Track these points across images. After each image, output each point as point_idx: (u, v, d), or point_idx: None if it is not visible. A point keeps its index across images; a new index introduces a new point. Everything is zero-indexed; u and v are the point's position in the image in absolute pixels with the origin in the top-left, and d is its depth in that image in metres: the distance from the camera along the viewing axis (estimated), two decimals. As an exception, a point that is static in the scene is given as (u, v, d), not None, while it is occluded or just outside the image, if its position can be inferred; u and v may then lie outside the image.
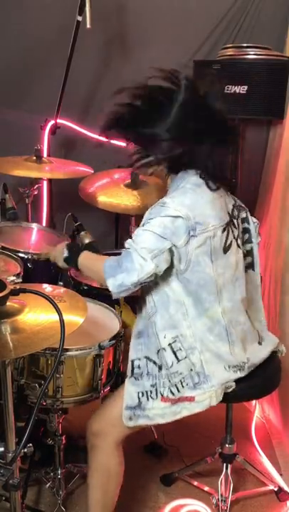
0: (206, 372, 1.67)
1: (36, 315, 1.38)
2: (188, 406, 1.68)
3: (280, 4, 2.86)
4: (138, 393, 1.68)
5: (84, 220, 2.35)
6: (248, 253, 1.86)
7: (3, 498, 1.75)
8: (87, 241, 2.30)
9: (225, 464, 2.02)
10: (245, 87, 2.57)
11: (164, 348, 1.66)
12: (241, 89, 2.58)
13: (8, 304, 1.35)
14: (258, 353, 1.80)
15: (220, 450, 2.04)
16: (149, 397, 1.68)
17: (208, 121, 1.61)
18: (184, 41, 2.90)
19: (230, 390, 1.71)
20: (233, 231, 1.71)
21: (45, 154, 2.64)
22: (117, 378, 1.86)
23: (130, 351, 1.73)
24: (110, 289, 1.58)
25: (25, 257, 2.13)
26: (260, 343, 1.84)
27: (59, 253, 1.82)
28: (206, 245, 1.61)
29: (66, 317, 1.32)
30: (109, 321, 1.95)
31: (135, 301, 2.17)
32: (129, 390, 1.69)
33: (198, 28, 2.91)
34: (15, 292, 1.34)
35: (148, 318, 1.68)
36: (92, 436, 1.75)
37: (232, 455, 2.04)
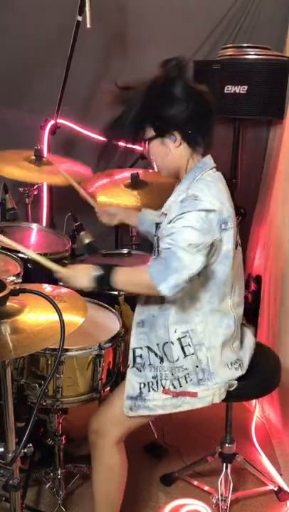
0: (211, 369, 1.69)
1: (36, 315, 1.38)
2: (190, 401, 1.69)
3: (280, 4, 2.86)
4: (140, 384, 1.69)
5: (84, 220, 2.35)
6: None
7: (3, 499, 1.75)
8: (87, 241, 2.30)
9: (225, 464, 2.02)
10: (245, 87, 2.57)
11: (172, 342, 1.67)
12: (241, 89, 2.58)
13: (8, 304, 1.35)
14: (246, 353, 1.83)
15: (220, 450, 2.04)
16: (151, 389, 1.69)
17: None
18: (184, 41, 2.90)
19: (232, 388, 1.73)
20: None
21: (45, 154, 2.63)
22: (117, 378, 1.86)
23: (131, 339, 1.74)
24: (164, 293, 1.54)
25: (26, 257, 2.13)
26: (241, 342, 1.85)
27: (82, 273, 1.67)
28: (232, 239, 1.64)
29: (66, 317, 1.32)
30: (109, 321, 1.95)
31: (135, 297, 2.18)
32: (131, 380, 1.70)
33: (198, 28, 2.91)
34: (15, 292, 1.34)
35: (159, 309, 1.69)
36: (93, 435, 1.75)
37: (232, 455, 2.04)
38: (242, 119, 2.78)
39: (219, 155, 1.76)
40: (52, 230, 2.55)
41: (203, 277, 1.64)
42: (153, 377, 1.69)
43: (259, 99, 2.59)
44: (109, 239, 3.09)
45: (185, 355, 1.67)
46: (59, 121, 2.81)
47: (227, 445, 2.02)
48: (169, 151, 1.68)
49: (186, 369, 1.68)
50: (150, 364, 1.70)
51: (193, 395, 1.69)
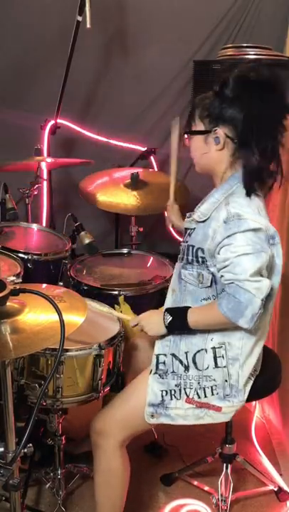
0: (240, 386, 1.67)
1: (36, 315, 1.38)
2: (213, 415, 1.68)
3: (280, 4, 2.86)
4: (162, 391, 1.68)
5: (84, 220, 2.35)
6: None
7: (3, 498, 1.75)
8: (87, 241, 2.31)
9: (225, 464, 2.02)
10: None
11: (205, 350, 1.65)
12: (241, 89, 2.57)
13: (8, 304, 1.35)
14: None
15: (220, 450, 2.04)
16: (173, 397, 1.67)
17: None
18: (184, 41, 2.90)
19: None
20: None
21: (45, 154, 2.64)
22: (117, 378, 1.86)
23: (156, 346, 1.72)
24: (245, 327, 1.54)
25: (25, 257, 2.13)
26: None
27: (156, 322, 1.68)
28: (281, 253, 1.62)
29: (66, 317, 1.32)
30: (109, 321, 1.95)
31: (136, 301, 2.18)
32: (153, 387, 1.69)
33: (198, 28, 2.91)
34: (15, 292, 1.34)
35: None
36: (96, 435, 1.74)
37: (232, 455, 2.04)
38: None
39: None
40: (52, 230, 2.55)
41: None
42: (176, 385, 1.67)
43: (259, 99, 2.59)
44: (109, 239, 3.10)
45: (216, 366, 1.65)
46: (59, 121, 2.81)
47: (227, 445, 2.02)
48: (209, 150, 1.65)
49: (214, 380, 1.66)
50: (173, 372, 1.68)
51: (218, 409, 1.67)
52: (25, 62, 2.92)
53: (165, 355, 1.70)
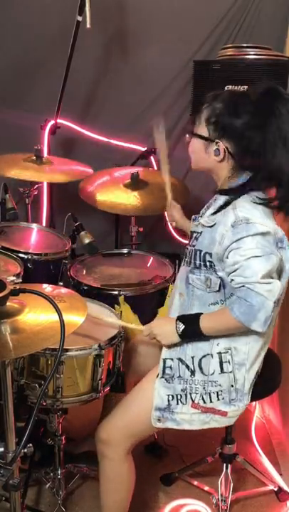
0: (245, 390, 1.67)
1: (36, 315, 1.38)
2: (219, 419, 1.67)
3: (280, 4, 2.86)
4: (168, 396, 1.67)
5: (84, 220, 2.35)
6: None
7: (3, 498, 1.75)
8: (87, 241, 2.31)
9: (225, 464, 2.02)
10: (245, 87, 2.57)
11: (211, 355, 1.65)
12: (241, 90, 2.57)
13: (8, 304, 1.35)
14: None
15: (220, 450, 2.04)
16: (179, 401, 1.67)
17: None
18: (184, 41, 2.90)
19: None
20: None
21: (45, 154, 2.64)
22: (117, 378, 1.86)
23: (163, 349, 1.72)
24: (259, 330, 1.52)
25: (25, 257, 2.13)
26: None
27: (168, 331, 1.66)
28: (286, 258, 1.61)
29: (66, 317, 1.32)
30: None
31: (136, 301, 2.18)
32: (160, 391, 1.68)
33: (198, 28, 2.91)
34: (15, 292, 1.34)
35: None
36: (102, 445, 1.73)
37: (232, 455, 2.04)
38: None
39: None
40: (52, 230, 2.55)
41: None
42: (182, 390, 1.67)
43: (259, 99, 2.59)
44: (109, 239, 3.09)
45: (222, 371, 1.65)
46: (59, 121, 2.81)
47: (227, 445, 2.02)
48: (208, 157, 1.64)
49: (219, 385, 1.65)
50: (179, 376, 1.68)
51: (223, 414, 1.67)
52: (25, 62, 2.91)
53: (172, 359, 1.69)
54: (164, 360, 1.70)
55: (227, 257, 1.55)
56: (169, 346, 1.70)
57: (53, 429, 1.89)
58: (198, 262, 1.65)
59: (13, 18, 2.86)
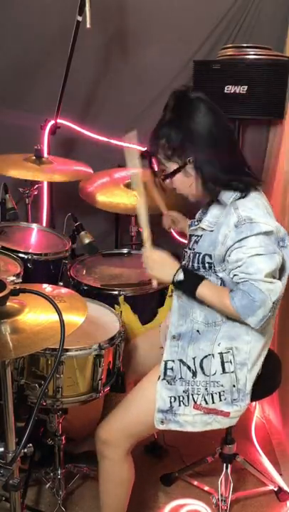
0: (247, 390, 1.67)
1: (36, 315, 1.38)
2: (222, 420, 1.67)
3: (280, 4, 2.86)
4: (170, 398, 1.67)
5: (84, 220, 2.35)
6: None
7: (3, 498, 1.75)
8: (87, 241, 2.31)
9: (225, 464, 2.02)
10: (245, 87, 2.57)
11: (212, 355, 1.65)
12: (241, 89, 2.58)
13: (8, 304, 1.35)
14: None
15: (220, 450, 2.04)
16: (181, 403, 1.66)
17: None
18: (184, 41, 2.89)
19: None
20: None
21: (45, 154, 2.64)
22: (117, 378, 1.86)
23: (165, 352, 1.71)
24: (253, 326, 1.54)
25: (26, 257, 2.13)
26: None
27: (167, 270, 1.65)
28: (288, 257, 1.62)
29: (66, 317, 1.32)
30: (109, 321, 1.95)
31: (136, 301, 2.18)
32: (161, 393, 1.68)
33: (198, 28, 2.91)
34: (15, 292, 1.34)
35: (207, 325, 1.66)
36: (102, 445, 1.73)
37: (232, 455, 2.04)
38: (242, 119, 2.78)
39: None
40: (52, 230, 2.55)
41: None
42: (184, 392, 1.67)
43: (259, 99, 2.59)
44: (109, 239, 3.09)
45: (223, 372, 1.65)
46: (59, 121, 2.81)
47: (227, 445, 2.02)
48: (193, 180, 1.64)
49: (221, 385, 1.65)
50: (181, 378, 1.67)
51: (226, 414, 1.66)
52: (25, 62, 2.91)
53: (173, 361, 1.69)
54: (166, 362, 1.70)
55: (229, 256, 1.56)
56: (170, 348, 1.70)
57: (53, 429, 1.89)
58: (196, 265, 1.65)
59: (13, 18, 2.86)
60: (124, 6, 2.87)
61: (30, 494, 2.06)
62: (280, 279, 1.59)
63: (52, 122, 2.80)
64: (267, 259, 1.51)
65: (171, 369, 1.69)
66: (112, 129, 2.97)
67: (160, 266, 1.66)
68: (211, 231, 1.62)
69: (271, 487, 2.15)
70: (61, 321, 1.27)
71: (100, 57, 2.97)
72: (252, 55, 2.61)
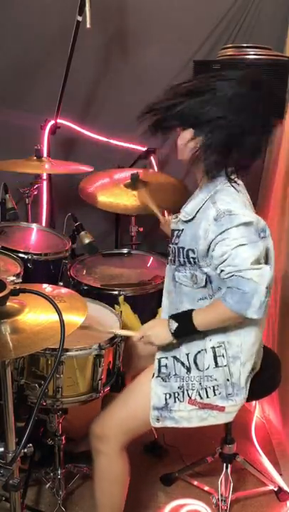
0: (241, 384, 1.67)
1: (36, 315, 1.38)
2: (217, 415, 1.67)
3: (280, 4, 2.86)
4: (165, 394, 1.67)
5: (84, 220, 2.35)
6: None
7: (3, 498, 1.75)
8: (87, 241, 2.31)
9: (225, 464, 2.02)
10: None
11: (205, 350, 1.65)
12: (241, 89, 2.57)
13: (8, 304, 1.35)
14: None
15: (220, 450, 2.04)
16: (176, 399, 1.67)
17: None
18: (184, 41, 2.90)
19: None
20: None
21: (45, 154, 2.64)
22: (117, 378, 1.86)
23: (158, 349, 1.72)
24: (255, 317, 1.51)
25: (26, 257, 2.13)
26: None
27: (161, 332, 1.65)
28: (271, 247, 1.63)
29: (66, 317, 1.32)
30: (109, 321, 1.95)
31: (136, 301, 2.18)
32: (156, 391, 1.68)
33: (198, 28, 2.91)
34: (15, 292, 1.34)
35: None
36: (96, 440, 1.74)
37: (232, 455, 2.04)
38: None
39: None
40: (52, 230, 2.55)
41: None
42: (179, 388, 1.67)
43: (259, 99, 2.59)
44: (109, 239, 3.10)
45: (216, 366, 1.65)
46: (59, 121, 2.81)
47: (227, 445, 2.02)
48: (197, 146, 1.62)
49: (215, 380, 1.65)
50: (176, 374, 1.68)
51: (221, 409, 1.66)
52: (25, 62, 2.91)
53: (166, 358, 1.70)
54: (159, 360, 1.71)
55: (213, 250, 1.56)
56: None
57: (53, 429, 1.89)
58: (182, 260, 1.65)
59: (13, 18, 2.86)
60: (124, 6, 2.88)
61: (30, 494, 2.06)
62: (266, 264, 1.59)
63: (52, 122, 2.80)
64: (250, 248, 1.51)
65: (165, 366, 1.69)
66: (112, 129, 2.97)
67: (154, 333, 1.67)
68: (189, 221, 1.63)
69: (271, 487, 2.15)
70: (61, 321, 1.27)
71: (100, 57, 2.97)
72: (252, 55, 2.61)
